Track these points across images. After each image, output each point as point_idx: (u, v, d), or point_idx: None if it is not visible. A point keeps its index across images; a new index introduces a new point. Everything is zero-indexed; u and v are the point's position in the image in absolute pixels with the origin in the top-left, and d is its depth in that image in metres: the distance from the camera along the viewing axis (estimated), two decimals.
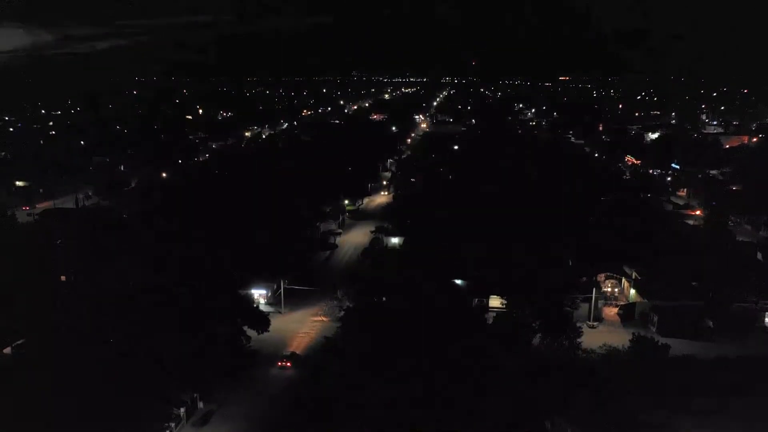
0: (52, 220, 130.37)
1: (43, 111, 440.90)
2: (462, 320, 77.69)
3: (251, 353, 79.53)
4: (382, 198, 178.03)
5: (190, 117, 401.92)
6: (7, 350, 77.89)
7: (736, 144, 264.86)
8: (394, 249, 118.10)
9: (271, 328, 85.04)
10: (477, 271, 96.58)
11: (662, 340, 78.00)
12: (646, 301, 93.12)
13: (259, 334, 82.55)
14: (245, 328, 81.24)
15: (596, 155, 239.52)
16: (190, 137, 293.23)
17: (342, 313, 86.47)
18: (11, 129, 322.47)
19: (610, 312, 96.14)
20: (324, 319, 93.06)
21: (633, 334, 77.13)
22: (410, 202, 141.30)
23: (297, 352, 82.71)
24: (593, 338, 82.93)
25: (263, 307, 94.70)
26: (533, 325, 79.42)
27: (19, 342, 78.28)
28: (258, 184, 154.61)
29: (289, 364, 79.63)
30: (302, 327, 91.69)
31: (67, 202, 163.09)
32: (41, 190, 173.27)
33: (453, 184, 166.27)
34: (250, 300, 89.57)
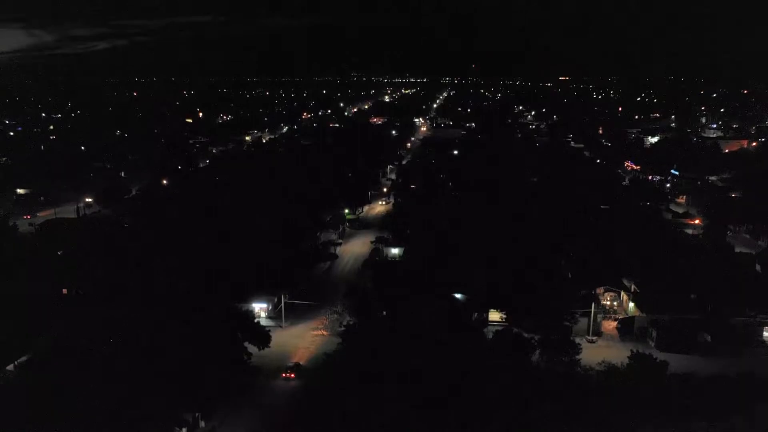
0: (54, 231, 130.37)
1: (43, 114, 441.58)
2: (461, 337, 78.13)
3: (253, 370, 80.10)
4: (383, 206, 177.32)
5: (190, 120, 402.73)
6: (10, 367, 78.22)
7: (735, 148, 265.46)
8: (394, 261, 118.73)
9: (271, 342, 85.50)
10: (476, 284, 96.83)
11: (661, 356, 78.75)
12: (644, 315, 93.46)
13: (260, 350, 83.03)
14: (246, 344, 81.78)
15: (597, 161, 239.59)
16: (191, 141, 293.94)
17: (342, 328, 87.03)
18: (11, 133, 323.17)
19: (609, 325, 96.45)
20: (324, 333, 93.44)
21: (631, 350, 77.49)
22: (410, 211, 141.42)
23: (301, 363, 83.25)
24: (592, 353, 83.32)
25: (264, 321, 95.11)
26: (533, 341, 79.87)
27: (22, 359, 78.73)
28: (258, 192, 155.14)
29: (293, 375, 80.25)
30: (303, 341, 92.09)
31: (69, 210, 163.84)
32: (42, 198, 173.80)
33: (452, 192, 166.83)
34: (250, 315, 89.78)
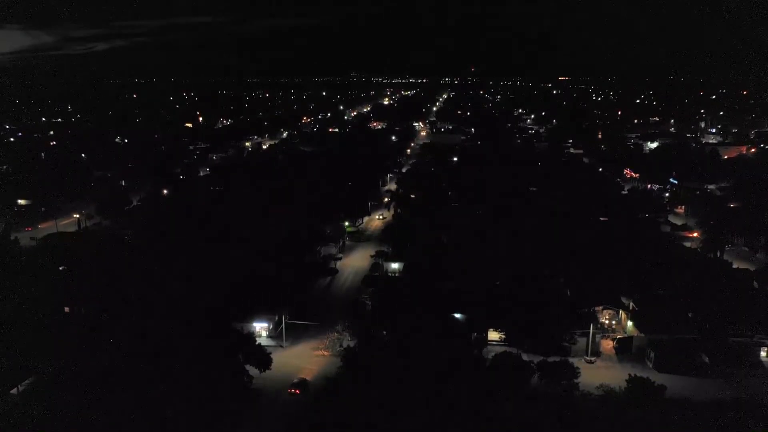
0: (55, 246, 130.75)
1: (43, 119, 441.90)
2: (461, 361, 78.80)
3: (254, 392, 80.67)
4: (383, 217, 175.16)
5: (189, 125, 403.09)
6: (14, 391, 78.75)
7: (734, 155, 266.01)
8: (394, 276, 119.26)
9: (273, 363, 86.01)
10: (476, 303, 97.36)
11: (659, 377, 79.53)
12: (643, 335, 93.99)
13: (261, 372, 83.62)
14: (247, 366, 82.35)
15: (596, 168, 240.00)
16: (190, 147, 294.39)
17: (342, 348, 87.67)
18: (12, 139, 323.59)
19: (608, 344, 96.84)
20: (325, 353, 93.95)
21: (629, 374, 78.14)
22: (410, 224, 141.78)
23: (307, 379, 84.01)
24: (591, 375, 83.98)
25: (265, 341, 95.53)
26: (531, 364, 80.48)
27: (28, 381, 79.30)
28: (258, 205, 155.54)
29: (298, 391, 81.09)
30: (304, 361, 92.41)
31: (70, 221, 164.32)
32: (43, 209, 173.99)
33: (453, 203, 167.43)
34: (251, 337, 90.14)
